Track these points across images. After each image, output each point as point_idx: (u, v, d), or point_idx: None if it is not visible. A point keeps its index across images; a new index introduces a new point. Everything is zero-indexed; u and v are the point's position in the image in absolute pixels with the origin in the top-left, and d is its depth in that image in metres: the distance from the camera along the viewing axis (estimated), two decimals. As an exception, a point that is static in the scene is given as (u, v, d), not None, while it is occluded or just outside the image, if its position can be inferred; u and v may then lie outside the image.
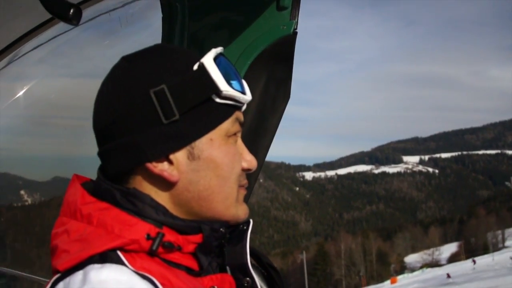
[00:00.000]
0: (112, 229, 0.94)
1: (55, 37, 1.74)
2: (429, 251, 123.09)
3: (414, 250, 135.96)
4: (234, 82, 1.05)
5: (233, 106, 1.05)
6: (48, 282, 0.93)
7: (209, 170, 1.03)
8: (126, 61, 1.05)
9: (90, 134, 1.06)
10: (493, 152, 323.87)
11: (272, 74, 1.84)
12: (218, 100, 1.01)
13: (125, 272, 0.90)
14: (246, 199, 1.96)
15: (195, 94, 0.99)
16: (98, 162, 1.11)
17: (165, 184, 1.03)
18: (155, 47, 1.08)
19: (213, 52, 1.03)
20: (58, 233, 0.98)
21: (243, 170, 1.11)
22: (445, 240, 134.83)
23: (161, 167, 1.01)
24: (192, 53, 1.07)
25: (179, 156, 1.01)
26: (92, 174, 1.12)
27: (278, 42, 1.77)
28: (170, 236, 0.99)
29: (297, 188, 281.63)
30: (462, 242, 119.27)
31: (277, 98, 1.88)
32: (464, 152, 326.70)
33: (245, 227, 1.13)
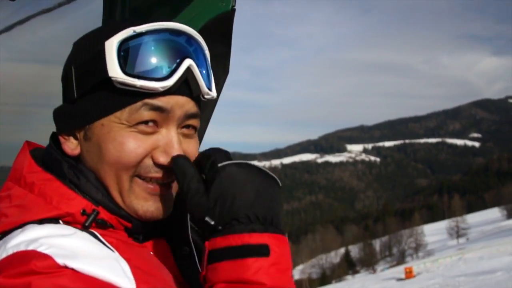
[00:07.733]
0: (51, 200, 1.01)
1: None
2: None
3: (312, 255, 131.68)
4: (143, 67, 1.00)
5: (141, 94, 1.01)
6: None
7: (95, 153, 1.06)
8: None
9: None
10: (434, 140, 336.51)
11: (212, 50, 1.89)
12: (118, 86, 1.01)
13: (64, 226, 0.98)
14: None
15: (90, 76, 1.03)
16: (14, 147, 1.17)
17: (74, 158, 1.09)
18: (101, 26, 1.14)
19: (123, 33, 1.01)
20: (2, 197, 1.05)
21: (155, 163, 1.06)
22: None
23: (67, 141, 1.09)
24: (120, 28, 1.02)
25: (80, 134, 1.08)
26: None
27: (217, 19, 1.82)
28: (105, 214, 1.05)
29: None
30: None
31: (217, 72, 1.94)
32: (407, 141, 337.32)
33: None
